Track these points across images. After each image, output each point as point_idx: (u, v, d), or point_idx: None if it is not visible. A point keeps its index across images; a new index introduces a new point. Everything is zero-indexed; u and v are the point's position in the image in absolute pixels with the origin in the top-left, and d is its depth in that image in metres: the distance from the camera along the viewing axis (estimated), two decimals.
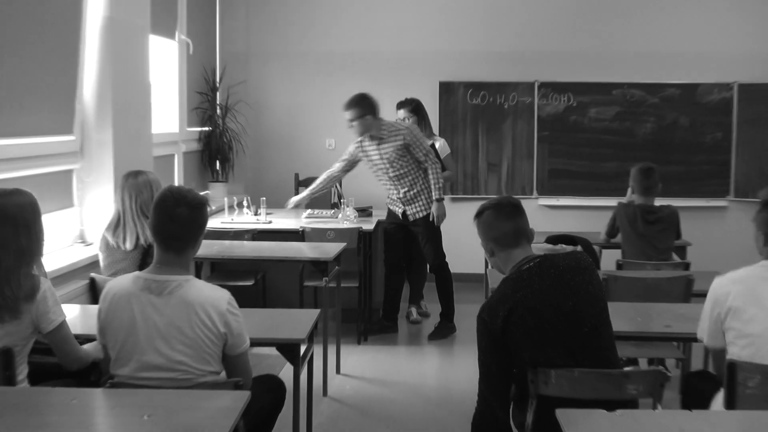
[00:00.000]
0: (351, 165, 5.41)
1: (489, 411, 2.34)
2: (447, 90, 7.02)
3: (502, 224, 2.43)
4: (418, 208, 5.29)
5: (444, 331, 5.42)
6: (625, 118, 6.97)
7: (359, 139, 5.26)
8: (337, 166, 5.42)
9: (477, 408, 2.39)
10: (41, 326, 2.49)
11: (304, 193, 5.50)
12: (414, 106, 5.69)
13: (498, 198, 2.51)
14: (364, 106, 5.13)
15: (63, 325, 2.54)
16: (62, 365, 2.61)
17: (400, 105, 5.73)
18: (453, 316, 5.46)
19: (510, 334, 2.29)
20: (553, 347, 2.29)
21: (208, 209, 2.42)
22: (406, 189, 5.27)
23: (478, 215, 2.49)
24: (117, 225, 3.63)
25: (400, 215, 5.35)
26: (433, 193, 5.20)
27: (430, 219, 5.24)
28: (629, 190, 4.73)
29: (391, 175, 5.27)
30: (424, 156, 5.20)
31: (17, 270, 2.45)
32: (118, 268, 3.58)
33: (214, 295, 2.35)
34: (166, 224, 2.33)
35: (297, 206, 5.50)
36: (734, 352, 2.40)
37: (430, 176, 5.20)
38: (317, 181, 5.47)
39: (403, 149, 5.16)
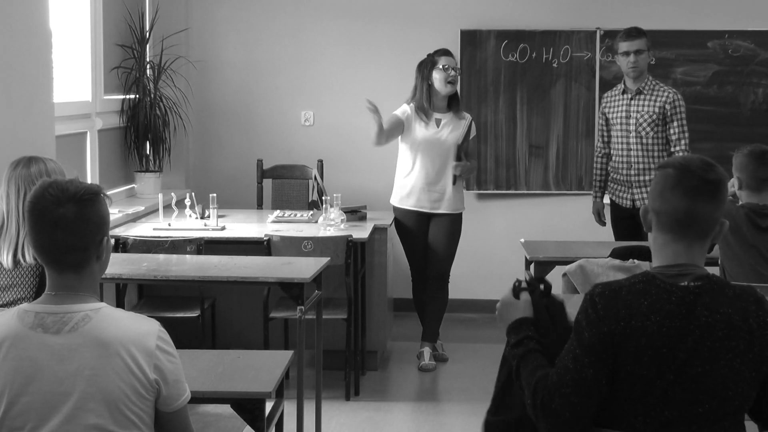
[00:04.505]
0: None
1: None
2: (471, 42, 7.03)
3: (676, 198, 2.33)
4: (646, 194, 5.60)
5: None
6: (725, 80, 6.98)
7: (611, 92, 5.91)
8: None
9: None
10: None
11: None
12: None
13: (694, 158, 2.40)
14: (648, 40, 5.78)
15: None
16: None
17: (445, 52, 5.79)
18: None
19: (620, 345, 2.27)
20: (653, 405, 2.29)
21: (106, 201, 2.40)
22: (640, 168, 5.72)
23: (658, 168, 2.44)
24: None
25: (628, 203, 5.80)
26: None
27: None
28: (731, 183, 4.71)
29: (634, 143, 5.71)
30: (680, 135, 5.64)
31: None
32: (4, 296, 3.56)
33: (138, 329, 2.35)
34: (51, 234, 2.31)
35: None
36: None
37: None
38: None
39: (660, 114, 5.65)
